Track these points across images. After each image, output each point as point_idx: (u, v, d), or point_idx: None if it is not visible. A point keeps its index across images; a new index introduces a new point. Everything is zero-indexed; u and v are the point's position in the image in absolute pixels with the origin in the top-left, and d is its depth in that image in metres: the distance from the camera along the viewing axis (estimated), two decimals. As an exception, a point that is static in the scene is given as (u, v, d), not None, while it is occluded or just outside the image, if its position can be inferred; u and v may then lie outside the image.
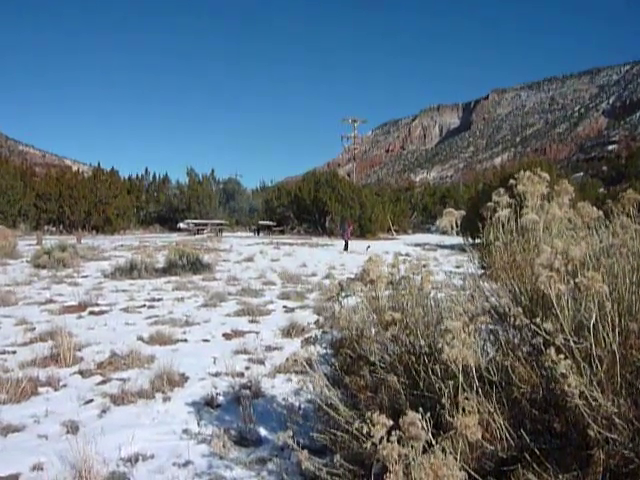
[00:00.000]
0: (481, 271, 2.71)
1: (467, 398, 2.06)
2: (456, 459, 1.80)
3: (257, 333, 6.69)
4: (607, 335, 1.99)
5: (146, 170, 51.50)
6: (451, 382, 2.13)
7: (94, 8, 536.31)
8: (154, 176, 50.58)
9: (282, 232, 38.41)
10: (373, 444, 1.79)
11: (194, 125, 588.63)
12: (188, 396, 4.39)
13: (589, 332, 1.96)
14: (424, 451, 1.78)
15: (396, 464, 1.74)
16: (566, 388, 1.87)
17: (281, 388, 4.59)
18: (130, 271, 12.06)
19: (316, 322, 6.81)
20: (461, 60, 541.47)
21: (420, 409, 1.86)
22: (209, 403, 4.22)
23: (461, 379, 2.04)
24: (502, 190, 2.72)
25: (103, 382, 4.72)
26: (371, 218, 36.67)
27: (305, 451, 2.25)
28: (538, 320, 2.03)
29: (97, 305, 8.43)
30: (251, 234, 38.20)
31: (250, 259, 16.97)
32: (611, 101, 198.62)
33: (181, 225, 36.99)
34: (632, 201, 2.56)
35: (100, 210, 34.22)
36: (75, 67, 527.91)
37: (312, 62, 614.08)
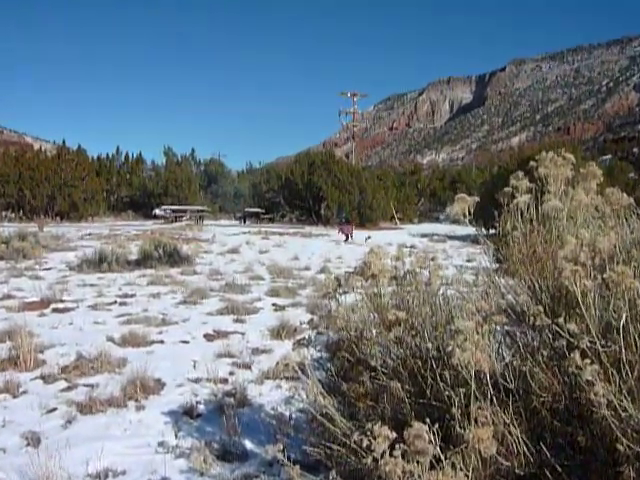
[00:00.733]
0: (496, 265, 2.70)
1: (480, 408, 2.06)
2: (467, 476, 1.81)
3: (243, 334, 6.70)
4: (639, 337, 1.99)
5: (117, 149, 51.16)
6: (462, 390, 2.12)
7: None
8: (126, 156, 50.24)
9: (271, 220, 38.40)
10: (374, 459, 1.79)
11: (172, 99, 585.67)
12: (165, 404, 4.39)
13: (618, 334, 1.95)
14: (431, 467, 1.78)
15: (400, 482, 1.74)
16: (592, 397, 1.87)
17: (270, 396, 4.59)
18: (99, 263, 12.03)
19: (310, 322, 6.84)
20: (475, 27, 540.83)
21: (427, 420, 1.85)
22: (188, 412, 4.22)
23: (473, 386, 2.04)
24: (521, 173, 2.72)
25: (68, 388, 4.71)
26: (372, 205, 36.70)
27: (297, 467, 2.25)
28: (561, 320, 2.03)
29: (62, 301, 8.41)
30: (236, 222, 38.10)
31: (235, 250, 16.97)
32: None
33: (157, 212, 36.85)
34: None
35: (65, 194, 34.08)
36: (36, 36, 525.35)
37: (305, 31, 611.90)
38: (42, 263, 12.98)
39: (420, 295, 2.67)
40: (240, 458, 3.52)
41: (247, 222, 37.40)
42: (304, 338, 2.95)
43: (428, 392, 2.45)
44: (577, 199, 2.59)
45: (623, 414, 1.92)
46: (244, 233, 24.83)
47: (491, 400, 2.10)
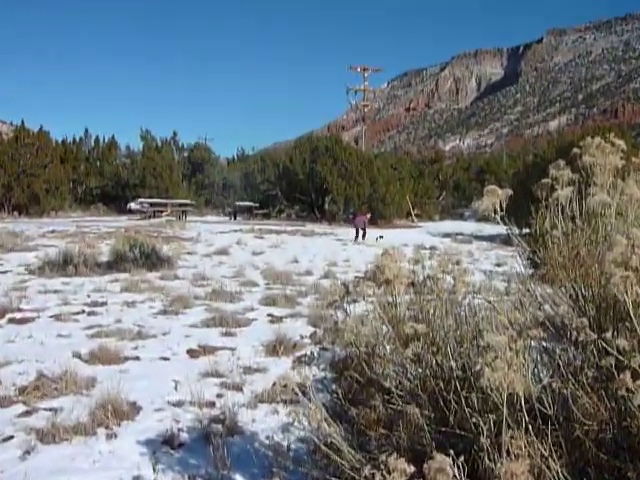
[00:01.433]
0: (532, 270, 2.68)
1: (513, 437, 2.05)
2: (498, 518, 1.81)
3: (233, 350, 6.71)
4: (700, 356, 1.98)
5: (86, 132, 51.29)
6: (492, 416, 2.13)
7: None
8: (97, 140, 50.33)
9: (267, 216, 38.44)
10: (388, 497, 1.79)
11: (150, 74, 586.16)
12: (141, 432, 4.39)
13: (677, 351, 1.96)
14: (456, 507, 1.78)
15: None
16: (645, 425, 1.87)
17: (265, 422, 4.60)
18: (64, 266, 12.03)
19: (312, 336, 6.83)
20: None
21: (450, 451, 1.86)
22: (168, 441, 4.23)
23: (505, 412, 2.03)
24: (562, 162, 2.71)
25: (27, 413, 4.71)
26: (385, 199, 36.72)
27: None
28: (608, 335, 2.03)
29: (19, 310, 8.42)
30: (225, 218, 38.28)
31: (224, 252, 17.00)
32: None
33: (132, 205, 36.94)
34: None
35: (24, 184, 34.14)
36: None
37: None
38: (-3, 265, 13.01)
39: (442, 305, 2.68)
40: (229, 495, 3.53)
41: (238, 218, 37.53)
42: (305, 355, 2.95)
43: (451, 418, 2.45)
44: (628, 193, 2.57)
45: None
46: (235, 231, 24.87)
47: (526, 428, 2.08)
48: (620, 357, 1.99)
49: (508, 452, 2.00)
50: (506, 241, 18.54)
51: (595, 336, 2.13)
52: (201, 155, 52.95)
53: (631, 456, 2.17)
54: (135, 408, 4.84)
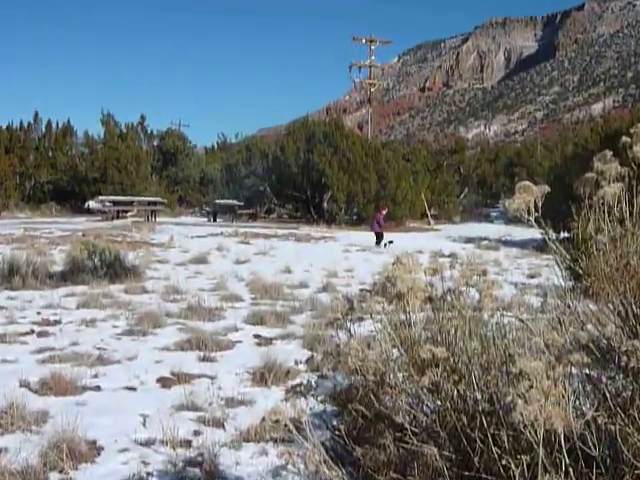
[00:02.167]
0: (572, 283, 2.70)
1: (552, 483, 2.01)
2: None
3: (212, 378, 6.69)
4: None
5: (36, 116, 51.29)
6: (525, 457, 2.12)
7: None
8: (49, 125, 50.36)
9: (253, 217, 38.49)
10: None
11: (113, 49, 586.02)
12: (102, 477, 4.37)
13: None
14: None
15: None
16: None
17: (251, 466, 4.59)
18: (9, 277, 12.00)
19: (308, 361, 6.81)
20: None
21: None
22: (136, 488, 4.22)
23: (542, 453, 2.02)
24: (609, 153, 2.72)
25: (-35, 453, 4.70)
26: (396, 197, 36.74)
27: None
28: (665, 361, 2.03)
29: (-44, 330, 8.39)
30: (203, 219, 38.31)
31: (202, 260, 16.99)
32: None
33: (92, 204, 36.86)
34: None
35: (-40, 179, 34.08)
36: None
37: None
38: None
39: (466, 324, 2.68)
40: None
41: (219, 219, 37.49)
42: (300, 384, 2.91)
43: (476, 461, 2.43)
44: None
45: None
46: (214, 235, 24.90)
47: (566, 472, 2.09)
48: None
49: (545, 501, 2.00)
50: (541, 247, 18.66)
51: (649, 362, 2.14)
52: (174, 144, 52.88)
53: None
54: (95, 448, 4.82)
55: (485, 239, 26.55)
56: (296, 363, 7.04)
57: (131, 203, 36.49)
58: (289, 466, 2.63)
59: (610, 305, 2.53)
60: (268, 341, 8.27)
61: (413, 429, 2.63)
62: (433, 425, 2.63)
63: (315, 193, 38.34)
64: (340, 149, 37.66)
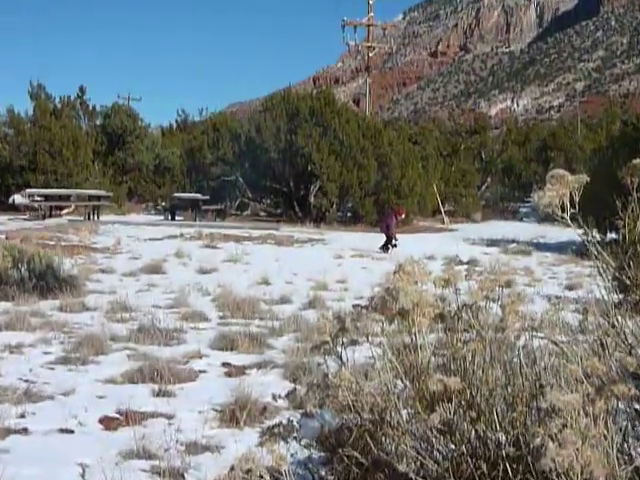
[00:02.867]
0: (619, 296, 2.66)
1: None
2: None
3: (170, 417, 6.46)
4: None
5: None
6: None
7: None
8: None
9: (221, 214, 36.99)
10: None
11: (46, 6, 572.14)
12: None
13: None
14: None
15: None
16: None
17: (218, 528, 4.48)
18: None
19: (289, 395, 6.57)
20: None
21: None
22: None
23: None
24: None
25: None
26: (400, 189, 34.77)
27: None
28: None
29: None
30: (159, 217, 37.07)
31: (157, 269, 16.70)
32: None
33: (17, 199, 35.70)
34: None
35: None
36: None
37: None
38: None
39: (486, 348, 2.64)
40: None
41: (178, 218, 35.92)
42: (279, 424, 2.95)
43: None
44: None
45: None
46: (173, 237, 24.58)
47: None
48: None
49: None
50: (582, 252, 18.03)
51: None
52: (122, 123, 50.12)
53: None
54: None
55: (513, 241, 25.80)
56: (274, 398, 6.68)
57: (67, 197, 35.15)
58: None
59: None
60: (240, 370, 8.02)
61: (421, 479, 2.61)
62: (445, 475, 2.60)
63: (299, 184, 36.17)
64: (331, 129, 35.45)
